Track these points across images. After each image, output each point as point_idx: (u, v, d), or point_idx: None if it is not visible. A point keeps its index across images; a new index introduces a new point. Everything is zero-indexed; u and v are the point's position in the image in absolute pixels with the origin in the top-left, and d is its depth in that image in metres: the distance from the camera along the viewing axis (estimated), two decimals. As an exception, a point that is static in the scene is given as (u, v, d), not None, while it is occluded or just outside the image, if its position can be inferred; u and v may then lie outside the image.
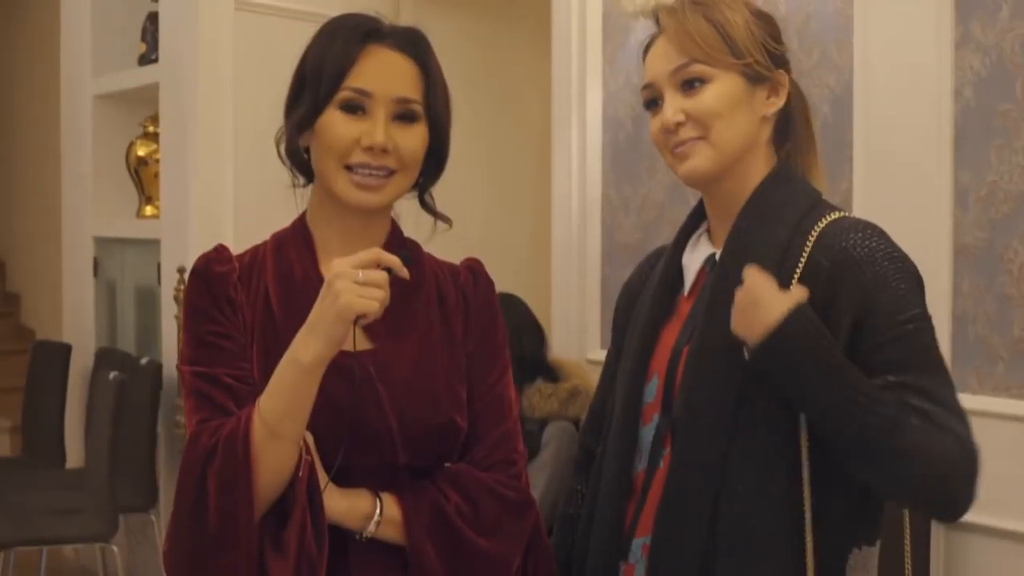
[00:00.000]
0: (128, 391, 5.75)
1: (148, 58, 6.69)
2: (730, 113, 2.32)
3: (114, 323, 7.12)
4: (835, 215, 2.30)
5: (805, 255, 2.24)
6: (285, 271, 2.31)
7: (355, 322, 2.08)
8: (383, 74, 2.27)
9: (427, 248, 2.42)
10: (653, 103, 2.38)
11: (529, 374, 4.72)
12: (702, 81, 2.31)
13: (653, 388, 2.40)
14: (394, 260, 2.12)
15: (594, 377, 4.85)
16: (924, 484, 2.15)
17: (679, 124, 2.32)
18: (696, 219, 2.50)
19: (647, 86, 2.39)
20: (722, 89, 2.31)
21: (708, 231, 2.46)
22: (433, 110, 2.31)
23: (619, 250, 5.07)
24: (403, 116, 2.27)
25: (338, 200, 2.28)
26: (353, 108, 2.25)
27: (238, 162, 5.82)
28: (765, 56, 2.34)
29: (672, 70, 2.33)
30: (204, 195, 5.90)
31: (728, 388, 2.24)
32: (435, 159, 2.36)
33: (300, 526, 2.13)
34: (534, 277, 5.84)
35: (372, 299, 2.06)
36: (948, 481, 2.15)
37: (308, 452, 2.16)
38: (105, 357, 6.77)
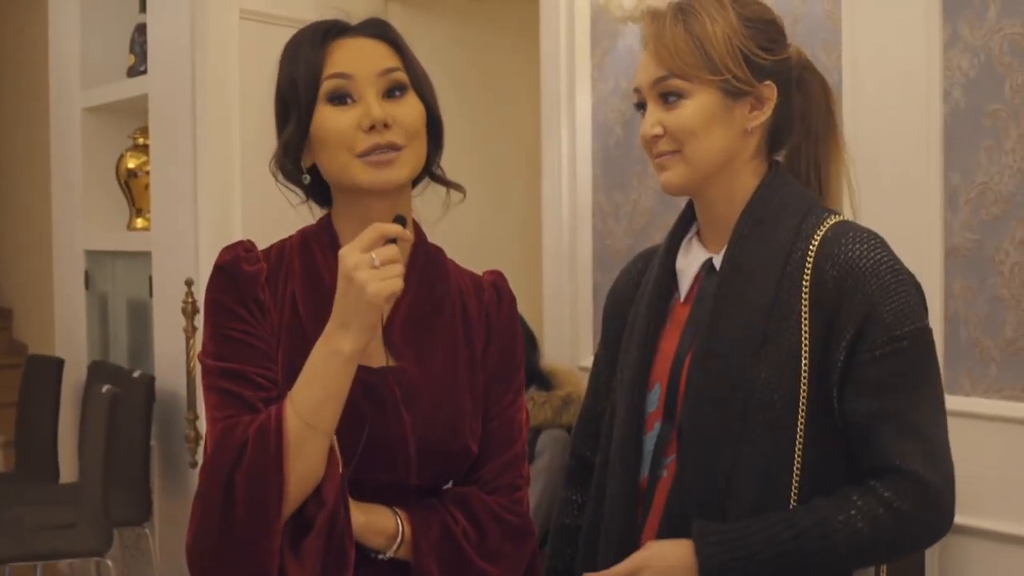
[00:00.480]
0: (121, 404, 5.74)
1: (137, 70, 6.68)
2: (705, 131, 2.32)
3: (106, 336, 7.11)
4: (835, 219, 2.31)
5: (810, 262, 2.25)
6: (313, 274, 2.28)
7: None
8: (358, 57, 2.25)
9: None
10: (641, 107, 2.39)
11: (522, 382, 4.71)
12: (679, 96, 2.31)
13: (655, 396, 2.39)
14: (396, 229, 2.11)
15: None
16: (902, 553, 2.27)
17: (656, 136, 2.33)
18: (685, 222, 2.50)
19: (635, 90, 2.39)
20: (698, 106, 2.31)
21: (698, 234, 2.46)
22: (418, 79, 2.29)
23: (610, 256, 5.06)
24: (392, 90, 2.24)
25: (358, 190, 2.24)
26: (341, 98, 2.22)
27: (245, 172, 5.80)
28: (745, 71, 2.32)
29: (651, 81, 2.34)
30: (212, 206, 5.88)
31: (734, 398, 2.24)
32: (432, 131, 2.32)
33: (325, 534, 2.12)
34: (525, 284, 5.83)
35: (394, 277, 2.07)
36: (922, 540, 2.29)
37: (340, 461, 2.15)
38: (97, 371, 6.76)
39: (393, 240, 2.10)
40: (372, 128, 2.19)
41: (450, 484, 2.35)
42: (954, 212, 3.72)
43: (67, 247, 7.32)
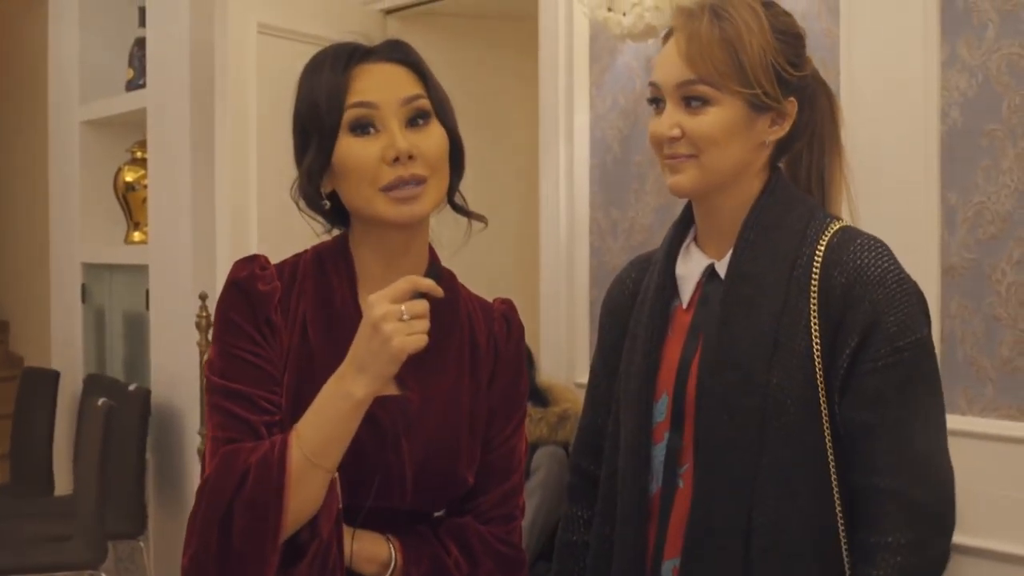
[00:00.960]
0: (117, 418, 5.74)
1: (136, 83, 6.68)
2: (726, 140, 2.30)
3: (102, 349, 7.11)
4: (839, 224, 2.33)
5: (817, 267, 2.25)
6: (325, 299, 2.26)
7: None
8: (381, 84, 2.21)
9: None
10: (656, 102, 2.37)
11: (519, 398, 4.70)
12: (705, 102, 2.29)
13: (663, 406, 2.38)
14: (429, 284, 2.10)
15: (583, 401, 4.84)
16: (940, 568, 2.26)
17: (674, 138, 2.30)
18: (683, 227, 2.49)
19: (652, 84, 2.37)
20: (723, 115, 2.29)
21: (696, 239, 2.45)
22: (441, 105, 2.27)
23: (607, 273, 5.06)
24: (415, 118, 2.21)
25: (380, 223, 2.21)
26: (364, 127, 2.19)
27: (261, 184, 5.79)
28: (775, 87, 2.31)
29: (678, 83, 2.31)
30: (229, 219, 5.86)
31: (748, 404, 2.24)
32: (454, 156, 2.30)
33: (318, 561, 2.12)
34: (522, 300, 5.80)
35: (420, 333, 2.06)
36: (938, 561, 2.26)
37: (338, 494, 2.15)
38: (93, 384, 6.76)
39: (423, 294, 2.09)
40: (396, 160, 2.17)
41: (443, 512, 2.34)
42: (951, 231, 3.73)
43: (64, 260, 7.33)
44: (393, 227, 2.21)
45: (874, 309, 2.20)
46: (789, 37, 2.36)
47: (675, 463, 2.35)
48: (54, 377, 7.10)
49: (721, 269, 2.35)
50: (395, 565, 2.21)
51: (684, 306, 2.40)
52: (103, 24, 7.09)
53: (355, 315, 2.17)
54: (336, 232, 2.35)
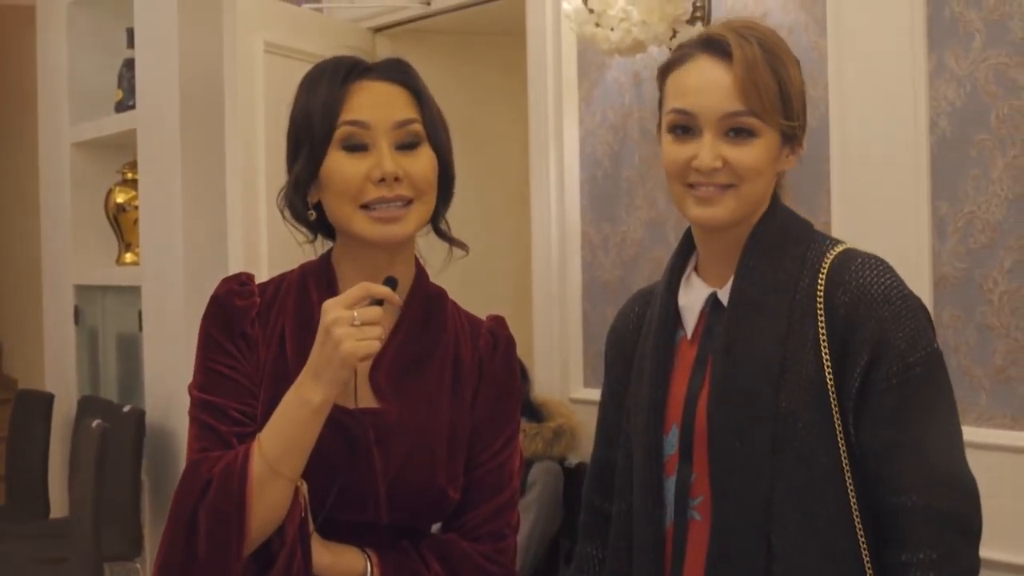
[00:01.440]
0: (111, 439, 5.73)
1: (125, 105, 6.68)
2: (765, 172, 2.29)
3: (96, 371, 7.11)
4: (840, 248, 2.30)
5: (821, 290, 2.24)
6: (304, 312, 2.27)
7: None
8: (376, 104, 2.22)
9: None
10: (683, 130, 2.30)
11: (513, 414, 4.70)
12: (751, 134, 2.26)
13: (673, 439, 2.35)
14: (384, 291, 2.11)
15: (579, 416, 4.85)
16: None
17: (715, 169, 2.26)
18: (683, 257, 2.46)
19: (685, 112, 2.30)
20: (766, 147, 2.27)
21: (696, 269, 2.43)
22: (433, 132, 2.27)
23: (599, 288, 5.07)
24: (406, 143, 2.22)
25: (362, 241, 2.23)
26: (355, 146, 2.20)
27: (270, 201, 5.79)
28: (805, 119, 2.33)
29: (726, 113, 2.26)
30: (242, 241, 5.86)
31: (759, 430, 2.22)
32: (442, 183, 2.30)
33: (284, 571, 2.12)
34: (515, 316, 5.80)
35: (372, 339, 2.07)
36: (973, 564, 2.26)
37: (303, 500, 2.15)
38: (88, 405, 6.76)
39: (379, 302, 2.10)
40: (382, 181, 2.18)
41: (438, 526, 2.35)
42: (942, 241, 3.73)
43: (56, 282, 7.33)
44: (373, 245, 2.23)
45: (881, 327, 2.19)
46: (800, 69, 2.36)
47: (686, 496, 2.32)
48: (48, 399, 7.10)
49: (723, 297, 2.33)
50: None
51: (688, 337, 2.38)
52: (92, 46, 7.10)
53: None
54: (319, 243, 2.36)
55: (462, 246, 2.36)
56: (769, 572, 2.22)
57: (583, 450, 4.88)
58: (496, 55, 6.31)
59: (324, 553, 2.18)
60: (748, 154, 2.26)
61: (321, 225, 2.33)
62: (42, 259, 7.52)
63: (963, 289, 3.69)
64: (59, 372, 7.34)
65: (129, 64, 6.67)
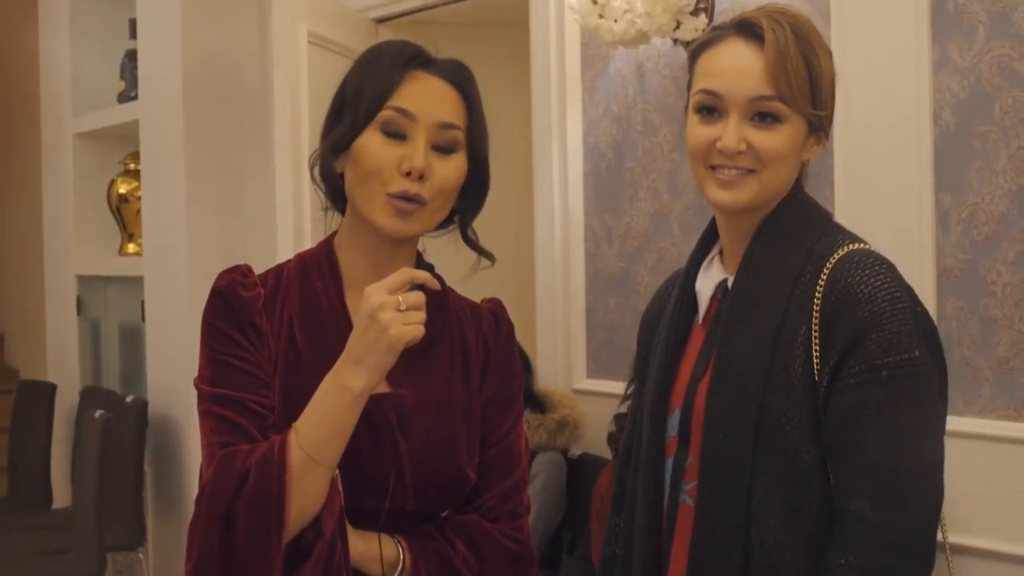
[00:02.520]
0: (114, 429, 5.73)
1: (127, 95, 6.68)
2: (790, 158, 2.29)
3: (98, 361, 7.10)
4: (851, 247, 2.27)
5: (821, 287, 2.23)
6: (310, 301, 2.27)
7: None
8: (427, 98, 2.23)
9: None
10: (709, 110, 2.31)
11: (517, 405, 4.71)
12: (777, 119, 2.26)
13: (675, 421, 2.37)
14: (424, 275, 2.12)
15: (582, 407, 4.86)
16: None
17: (739, 152, 2.27)
18: (708, 242, 2.47)
19: (711, 94, 2.30)
20: (791, 133, 2.27)
21: (720, 254, 2.43)
22: (474, 141, 2.28)
23: (602, 279, 5.07)
24: (443, 146, 2.22)
25: (371, 226, 2.23)
26: (394, 132, 2.21)
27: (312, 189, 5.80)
28: (833, 109, 2.33)
29: (753, 97, 2.26)
30: (292, 232, 5.87)
31: (745, 422, 2.22)
32: (475, 192, 2.32)
33: (323, 562, 2.12)
34: (518, 307, 5.83)
35: (417, 324, 2.08)
36: None
37: (340, 490, 2.15)
38: (90, 396, 6.75)
39: (420, 286, 2.11)
40: (409, 174, 2.18)
41: (447, 512, 2.35)
42: (946, 233, 3.74)
43: (59, 272, 7.32)
44: (381, 234, 2.23)
45: (857, 327, 2.16)
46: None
47: (680, 479, 2.34)
48: (50, 390, 7.09)
49: (732, 284, 2.35)
50: (403, 565, 2.22)
51: (700, 322, 2.40)
52: (94, 36, 7.09)
53: (342, 316, 2.21)
54: (331, 213, 2.38)
55: (489, 256, 2.36)
56: (748, 564, 2.21)
57: (586, 441, 4.89)
58: (499, 46, 6.32)
59: (358, 542, 2.19)
60: (772, 139, 2.26)
61: (335, 195, 2.34)
62: (44, 249, 7.51)
63: (966, 281, 3.69)
64: (61, 362, 7.33)
65: (131, 55, 6.66)
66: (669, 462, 2.37)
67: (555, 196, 5.17)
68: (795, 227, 2.32)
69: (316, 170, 2.32)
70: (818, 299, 2.21)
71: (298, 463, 2.09)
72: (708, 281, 2.40)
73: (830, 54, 2.34)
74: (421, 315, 2.09)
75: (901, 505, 2.15)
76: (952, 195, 3.73)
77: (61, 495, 6.90)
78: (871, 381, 2.16)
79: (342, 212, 2.36)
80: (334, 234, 2.36)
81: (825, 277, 2.22)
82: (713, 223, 2.46)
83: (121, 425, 5.94)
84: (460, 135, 2.25)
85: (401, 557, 2.22)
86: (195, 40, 6.03)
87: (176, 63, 6.04)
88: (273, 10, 5.28)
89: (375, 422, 2.20)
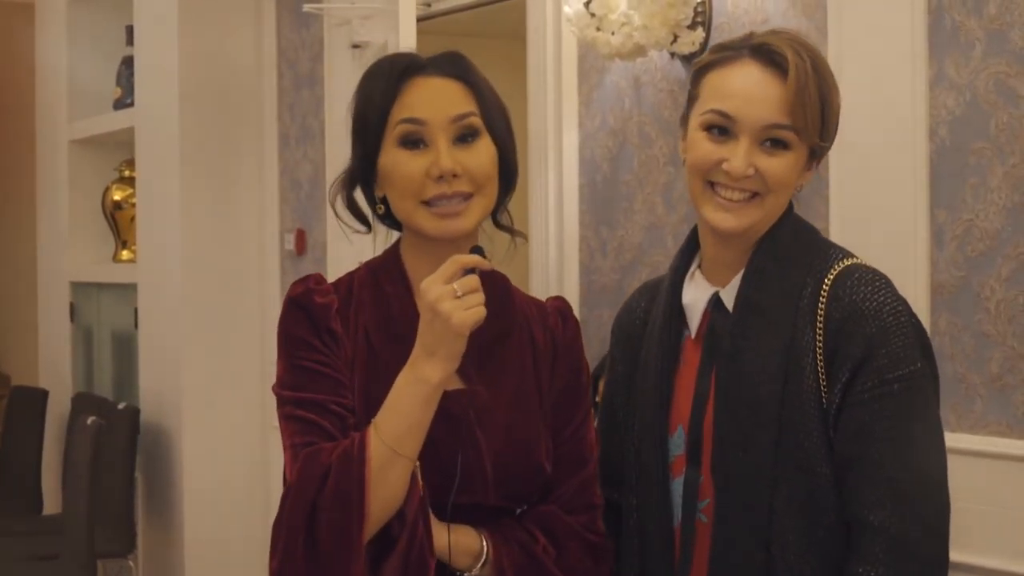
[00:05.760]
0: (105, 436, 5.73)
1: (123, 102, 6.69)
2: (791, 184, 2.32)
3: (91, 368, 7.10)
4: (847, 262, 2.31)
5: (823, 303, 2.25)
6: (383, 306, 2.32)
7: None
8: (432, 99, 2.26)
9: None
10: (720, 130, 2.31)
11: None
12: (786, 147, 2.29)
13: (679, 439, 2.37)
14: (474, 259, 2.17)
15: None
16: None
17: (747, 176, 2.28)
18: (688, 255, 2.47)
19: (725, 115, 2.31)
20: (796, 161, 2.30)
21: (700, 267, 2.44)
22: (492, 123, 2.30)
23: (597, 292, 5.07)
24: (464, 136, 2.26)
25: (425, 236, 2.27)
26: (413, 142, 2.24)
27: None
28: (832, 141, 2.36)
29: (768, 124, 2.28)
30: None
31: (762, 439, 2.24)
32: (504, 174, 2.34)
33: (404, 554, 2.16)
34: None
35: (478, 306, 2.12)
36: None
37: (420, 481, 2.19)
38: (82, 402, 6.75)
39: (472, 270, 2.15)
40: (440, 178, 2.21)
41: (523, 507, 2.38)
42: (940, 249, 3.74)
43: (52, 278, 7.33)
44: (437, 240, 2.26)
45: (867, 343, 2.20)
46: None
47: (694, 498, 2.34)
48: (42, 396, 7.09)
49: (725, 297, 2.35)
50: (487, 556, 2.26)
51: (693, 336, 2.40)
52: (91, 43, 7.10)
53: (415, 320, 2.21)
54: (377, 237, 2.43)
55: (522, 235, 2.43)
56: None
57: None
58: (496, 58, 6.29)
59: (442, 533, 2.22)
60: (780, 165, 2.28)
61: (388, 217, 2.37)
62: (38, 255, 7.51)
63: (960, 297, 3.70)
64: (54, 369, 7.34)
65: (128, 62, 6.67)
66: (678, 481, 2.37)
67: (550, 208, 5.17)
68: (793, 243, 2.34)
69: (338, 204, 2.36)
70: (821, 314, 2.23)
71: (379, 456, 2.13)
72: (697, 295, 2.41)
73: (838, 90, 2.37)
74: (479, 296, 2.13)
75: (918, 515, 2.19)
76: (947, 211, 3.73)
77: (52, 501, 6.90)
78: (883, 395, 2.20)
79: (396, 228, 2.40)
80: (399, 241, 2.39)
81: (826, 292, 2.25)
82: (692, 236, 2.46)
83: (113, 432, 5.95)
84: (477, 120, 2.28)
85: (485, 548, 2.26)
86: (192, 48, 6.05)
87: (173, 71, 6.06)
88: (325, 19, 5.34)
89: (453, 417, 2.24)
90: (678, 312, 2.42)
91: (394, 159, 2.25)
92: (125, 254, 6.94)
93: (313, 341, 2.26)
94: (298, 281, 2.33)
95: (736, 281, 2.35)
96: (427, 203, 2.24)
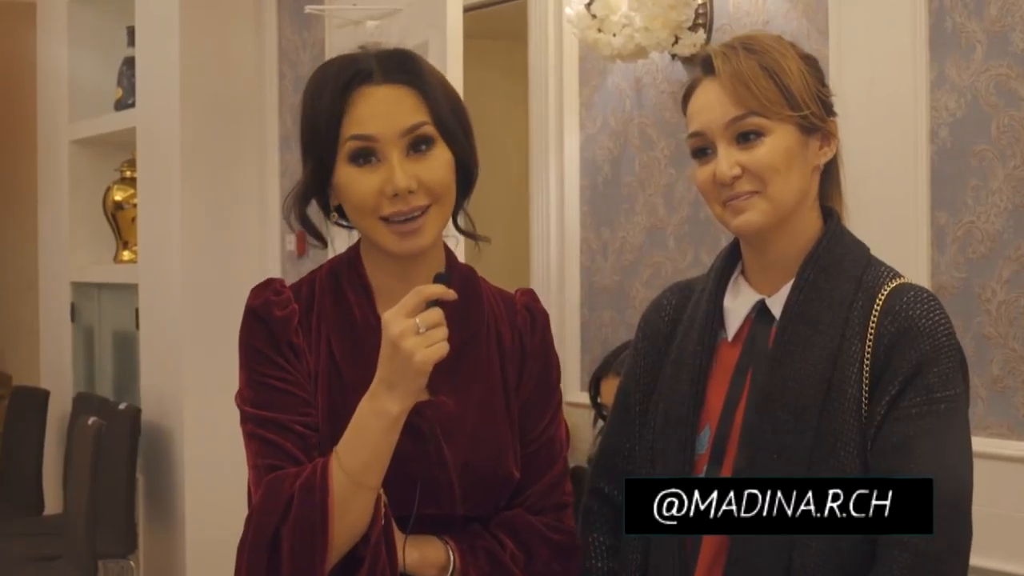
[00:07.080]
0: (106, 437, 5.73)
1: (125, 103, 6.69)
2: (787, 168, 2.28)
3: (92, 368, 7.10)
4: (898, 280, 2.31)
5: (876, 317, 2.25)
6: (346, 318, 2.27)
7: None
8: (381, 113, 2.19)
9: None
10: (702, 152, 2.32)
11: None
12: (759, 134, 2.27)
13: (705, 439, 2.36)
14: (438, 290, 2.10)
15: (574, 420, 4.85)
16: None
17: (735, 178, 2.27)
18: (731, 260, 2.45)
19: (696, 135, 2.32)
20: (779, 143, 2.27)
21: (743, 273, 2.43)
22: (446, 127, 2.23)
23: (598, 293, 5.07)
24: (416, 145, 2.19)
25: (386, 252, 2.23)
26: (365, 157, 2.18)
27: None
28: (819, 106, 2.33)
29: (727, 121, 2.28)
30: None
31: (799, 445, 2.22)
32: (463, 175, 2.28)
33: (370, 571, 2.14)
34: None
35: (440, 341, 2.07)
36: None
37: (384, 508, 2.16)
38: (83, 403, 6.75)
39: (436, 301, 2.09)
40: (396, 195, 2.16)
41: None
42: (941, 251, 3.74)
43: (53, 279, 7.33)
44: (398, 257, 2.23)
45: (920, 360, 2.20)
46: (814, 63, 2.37)
47: None
48: (43, 396, 7.09)
49: (773, 306, 2.33)
50: (454, 567, 2.24)
51: (729, 340, 2.38)
52: (92, 43, 7.10)
53: (376, 328, 2.17)
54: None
55: (485, 240, 2.36)
56: None
57: (578, 454, 4.88)
58: (497, 59, 6.32)
59: (412, 551, 2.21)
60: (761, 153, 2.26)
61: (345, 218, 2.32)
62: (39, 256, 7.51)
63: (961, 299, 3.70)
64: (55, 369, 7.34)
65: (129, 62, 6.67)
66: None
67: (551, 209, 5.17)
68: (843, 256, 2.33)
69: (292, 219, 2.31)
70: (872, 328, 2.23)
71: (341, 488, 2.10)
72: (741, 301, 2.39)
73: (797, 55, 2.33)
74: (442, 332, 2.08)
75: (945, 535, 2.20)
76: (948, 213, 3.73)
77: (53, 502, 6.90)
78: (930, 413, 2.19)
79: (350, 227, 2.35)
80: (360, 241, 2.34)
81: (879, 308, 2.25)
82: (735, 244, 2.45)
83: (114, 432, 5.95)
84: (430, 128, 2.21)
85: (451, 559, 2.23)
86: (193, 49, 6.05)
87: (174, 71, 6.06)
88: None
89: (420, 432, 2.21)
90: (719, 314, 2.41)
91: (347, 177, 2.19)
92: (126, 254, 6.94)
93: (275, 358, 2.22)
94: (257, 288, 2.28)
95: (785, 290, 2.33)
96: (385, 219, 2.19)
